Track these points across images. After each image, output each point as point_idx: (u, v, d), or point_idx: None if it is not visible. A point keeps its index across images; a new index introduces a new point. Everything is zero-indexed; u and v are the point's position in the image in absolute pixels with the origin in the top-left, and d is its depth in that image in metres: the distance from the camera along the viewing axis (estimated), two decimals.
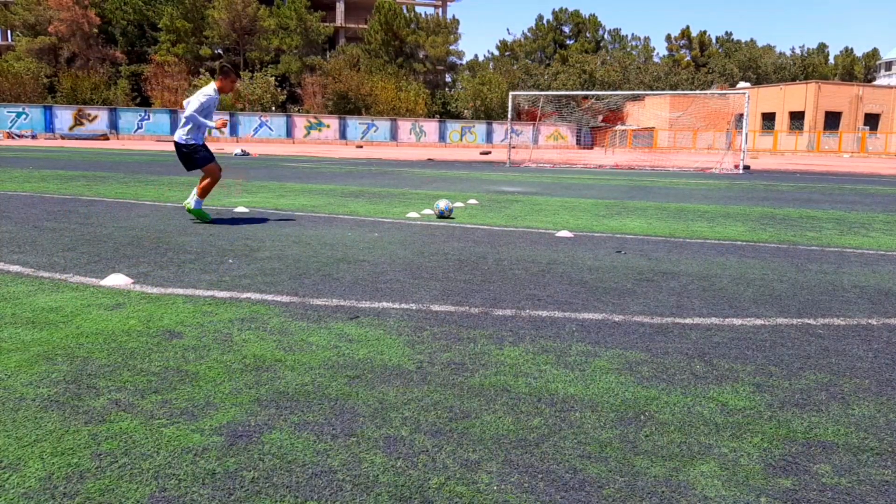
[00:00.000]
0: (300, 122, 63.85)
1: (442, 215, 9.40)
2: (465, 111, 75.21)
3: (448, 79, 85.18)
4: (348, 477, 2.48)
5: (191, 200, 8.55)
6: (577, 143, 64.01)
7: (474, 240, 7.64)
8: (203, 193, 8.51)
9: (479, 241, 7.54)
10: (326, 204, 10.98)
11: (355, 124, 64.58)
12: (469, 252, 6.86)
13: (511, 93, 31.63)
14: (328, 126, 63.94)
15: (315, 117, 64.66)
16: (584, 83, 74.14)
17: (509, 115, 31.55)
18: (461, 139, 66.41)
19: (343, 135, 64.21)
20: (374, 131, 64.26)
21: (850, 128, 61.27)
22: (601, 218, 10.00)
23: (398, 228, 8.41)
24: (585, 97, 54.58)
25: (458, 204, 11.18)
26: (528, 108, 52.62)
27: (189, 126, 8.36)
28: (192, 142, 8.39)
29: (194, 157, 8.46)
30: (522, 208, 11.10)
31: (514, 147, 33.17)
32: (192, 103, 8.32)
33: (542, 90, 66.23)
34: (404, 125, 65.31)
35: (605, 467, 2.59)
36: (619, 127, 62.22)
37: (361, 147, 55.60)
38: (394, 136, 65.29)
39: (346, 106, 69.20)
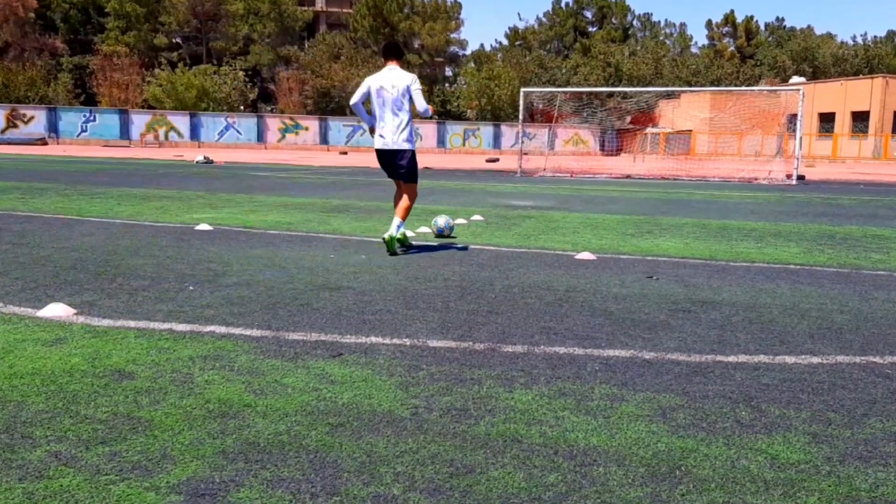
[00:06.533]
0: (273, 123, 64.08)
1: (441, 234, 9.47)
2: (469, 111, 75.46)
3: (448, 73, 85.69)
4: None
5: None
6: (600, 149, 64.19)
7: (479, 263, 7.70)
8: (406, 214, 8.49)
9: (484, 265, 7.59)
10: (304, 221, 11.08)
11: (339, 126, 64.77)
12: (473, 277, 6.90)
13: (523, 89, 31.82)
14: (307, 129, 64.15)
15: (291, 118, 64.93)
16: (609, 78, 74.42)
17: (521, 116, 31.65)
18: (464, 144, 66.56)
19: (324, 139, 64.36)
20: (361, 135, 64.26)
21: None
22: (629, 237, 10.06)
23: None
24: (610, 95, 54.76)
25: (460, 221, 11.21)
26: (542, 108, 52.56)
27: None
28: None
29: (414, 165, 8.61)
30: (536, 226, 11.16)
31: (526, 153, 33.18)
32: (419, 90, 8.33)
33: (559, 86, 66.14)
34: None
35: None
36: (649, 130, 61.99)
37: (346, 154, 55.49)
38: None
39: (327, 105, 69.51)
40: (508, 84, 70.58)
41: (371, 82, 8.40)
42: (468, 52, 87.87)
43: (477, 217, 11.95)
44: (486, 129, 67.68)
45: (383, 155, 8.46)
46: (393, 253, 8.03)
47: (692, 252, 8.76)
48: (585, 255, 8.22)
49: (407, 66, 75.30)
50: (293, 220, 11.20)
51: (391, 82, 8.29)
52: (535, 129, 58.58)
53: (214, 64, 71.36)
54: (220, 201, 14.06)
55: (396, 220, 8.21)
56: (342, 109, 68.19)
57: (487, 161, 43.96)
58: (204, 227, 9.96)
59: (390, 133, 8.34)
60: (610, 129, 60.96)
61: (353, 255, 8.03)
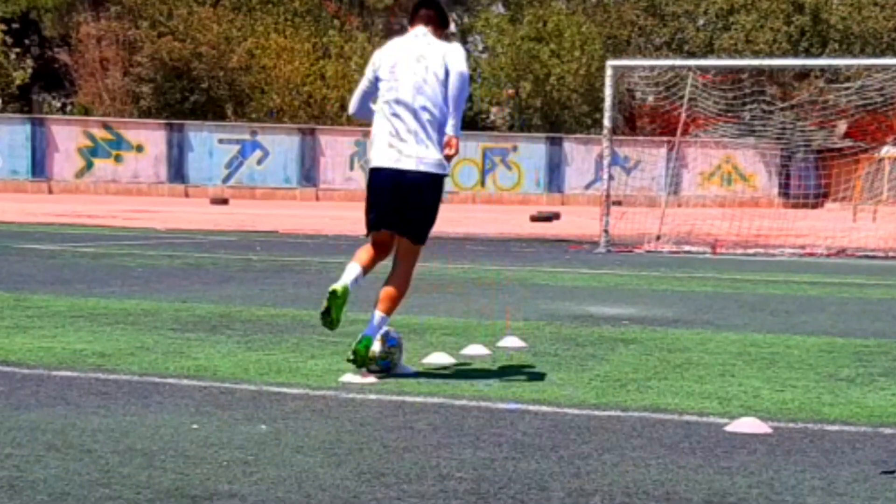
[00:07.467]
0: (68, 136, 40.33)
1: (386, 367, 6.50)
2: (494, 109, 48.19)
3: (450, 26, 68.26)
4: None
5: (375, 334, 6.05)
6: (779, 192, 40.80)
7: (516, 440, 4.98)
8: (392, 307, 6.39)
9: (526, 445, 4.91)
10: (135, 349, 7.92)
11: (211, 143, 41.20)
12: (504, 474, 4.30)
13: (610, 63, 19.64)
14: (140, 148, 40.79)
15: (106, 125, 41.33)
16: (801, 38, 45.32)
17: (606, 121, 19.12)
18: (482, 182, 42.57)
19: (178, 170, 41.14)
20: (260, 161, 41.72)
21: None
22: (843, 385, 6.88)
23: (319, 412, 5.75)
24: (803, 74, 36.40)
25: (475, 349, 7.34)
26: (653, 104, 28.89)
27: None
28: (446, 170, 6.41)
29: (435, 210, 6.36)
30: (639, 360, 7.89)
31: (618, 202, 21.35)
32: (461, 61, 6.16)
33: (689, 56, 41.37)
34: (337, 145, 41.96)
35: None
36: (889, 150, 34.83)
37: (226, 202, 36.19)
38: (308, 172, 41.70)
39: (186, 96, 43.79)
40: (580, 50, 44.35)
41: (383, 57, 6.08)
42: None
43: (511, 341, 8.11)
44: (533, 150, 42.97)
45: (387, 180, 6.08)
46: (363, 364, 6.00)
47: None
48: (748, 426, 5.64)
49: (363, 13, 55.91)
50: (111, 347, 7.80)
51: (416, 54, 6.06)
52: (639, 150, 35.32)
53: None
54: None
55: (378, 314, 6.15)
56: (217, 107, 43.54)
57: (535, 218, 27.68)
58: None
59: (412, 143, 6.00)
60: (801, 149, 34.92)
61: (241, 425, 5.36)
